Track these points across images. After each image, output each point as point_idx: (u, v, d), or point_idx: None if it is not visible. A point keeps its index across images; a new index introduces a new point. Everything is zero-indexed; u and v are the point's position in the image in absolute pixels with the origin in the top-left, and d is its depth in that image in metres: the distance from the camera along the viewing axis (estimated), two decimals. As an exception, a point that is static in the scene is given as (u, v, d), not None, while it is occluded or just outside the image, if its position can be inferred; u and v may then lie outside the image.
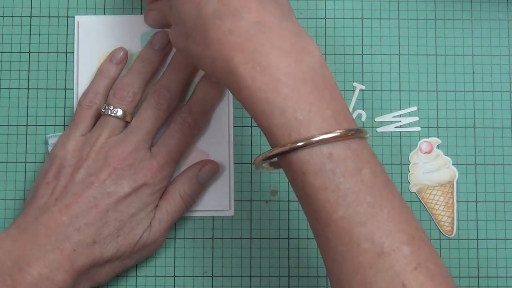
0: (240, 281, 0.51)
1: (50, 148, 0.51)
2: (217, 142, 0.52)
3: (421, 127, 0.52)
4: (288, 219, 0.51)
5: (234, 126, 0.52)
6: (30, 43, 0.53)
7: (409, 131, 0.52)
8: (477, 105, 0.53)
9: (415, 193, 0.52)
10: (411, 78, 0.53)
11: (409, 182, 0.52)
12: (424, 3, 0.53)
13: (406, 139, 0.52)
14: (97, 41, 0.52)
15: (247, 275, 0.51)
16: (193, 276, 0.51)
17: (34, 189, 0.48)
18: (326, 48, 0.53)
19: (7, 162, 0.52)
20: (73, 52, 0.53)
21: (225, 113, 0.52)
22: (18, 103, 0.52)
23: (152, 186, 0.48)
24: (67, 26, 0.53)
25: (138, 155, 0.47)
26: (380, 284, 0.35)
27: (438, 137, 0.52)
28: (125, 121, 0.49)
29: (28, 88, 0.53)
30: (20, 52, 0.53)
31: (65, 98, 0.52)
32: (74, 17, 0.53)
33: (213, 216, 0.52)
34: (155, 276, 0.51)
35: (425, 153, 0.52)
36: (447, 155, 0.52)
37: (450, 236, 0.51)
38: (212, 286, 0.51)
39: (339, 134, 0.36)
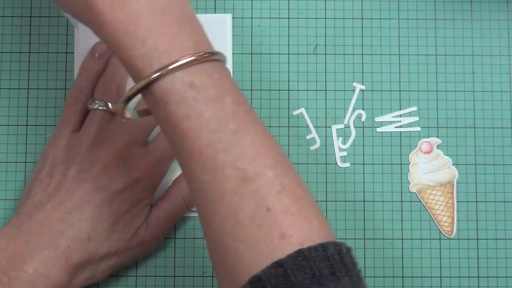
0: (240, 281, 0.51)
1: (50, 148, 0.51)
2: (217, 142, 0.52)
3: (421, 127, 0.52)
4: (288, 219, 0.51)
5: (234, 126, 0.52)
6: (30, 43, 0.53)
7: (409, 131, 0.52)
8: (477, 105, 0.53)
9: (415, 193, 0.52)
10: (411, 78, 0.53)
11: (409, 182, 0.52)
12: (424, 3, 0.53)
13: (406, 139, 0.52)
14: (97, 41, 0.52)
15: (247, 275, 0.51)
16: (193, 276, 0.51)
17: (27, 188, 0.48)
18: (326, 48, 0.53)
19: (7, 162, 0.52)
20: (73, 52, 0.53)
21: (225, 113, 0.52)
22: (18, 103, 0.52)
23: (146, 182, 0.47)
24: (67, 26, 0.53)
25: (132, 150, 0.47)
26: (246, 210, 0.34)
27: (438, 137, 0.52)
28: (113, 112, 0.49)
29: (28, 88, 0.53)
30: (20, 52, 0.53)
31: (65, 98, 0.52)
32: (74, 17, 0.53)
33: (213, 216, 0.51)
34: (155, 276, 0.51)
35: (425, 153, 0.52)
36: (447, 155, 0.52)
37: (450, 236, 0.51)
38: (212, 286, 0.51)
39: (195, 57, 0.35)
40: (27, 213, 0.45)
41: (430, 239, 0.51)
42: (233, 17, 0.53)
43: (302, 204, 0.35)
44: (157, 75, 0.35)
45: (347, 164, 0.52)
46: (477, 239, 0.51)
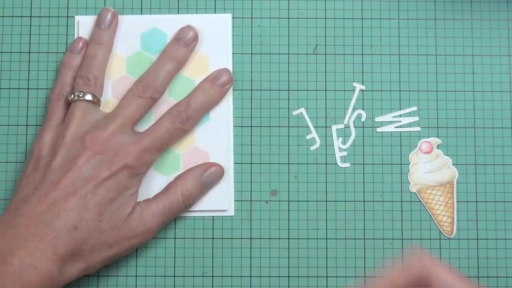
0: (240, 281, 0.51)
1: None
2: (217, 142, 0.52)
3: (421, 127, 0.52)
4: (288, 219, 0.51)
5: (234, 126, 0.52)
6: (30, 43, 0.53)
7: (409, 131, 0.52)
8: (477, 105, 0.53)
9: (415, 193, 0.52)
10: (411, 78, 0.53)
11: (409, 182, 0.52)
12: (424, 3, 0.53)
13: (406, 139, 0.52)
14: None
15: (247, 275, 0.51)
16: (193, 276, 0.51)
17: (16, 185, 0.48)
18: (326, 48, 0.53)
19: (7, 162, 0.52)
20: (73, 52, 0.53)
21: (225, 113, 0.52)
22: (18, 103, 0.52)
23: (132, 169, 0.47)
24: (67, 26, 0.53)
25: (117, 139, 0.47)
26: None
27: (438, 137, 0.52)
28: (94, 102, 0.49)
29: (28, 88, 0.53)
30: (20, 52, 0.53)
31: (65, 98, 0.52)
32: (74, 17, 0.53)
33: (213, 216, 0.52)
34: (155, 276, 0.51)
35: (425, 153, 0.52)
36: (447, 155, 0.52)
37: (450, 236, 0.51)
38: (212, 286, 0.51)
39: None
40: (14, 209, 0.46)
41: (430, 239, 0.51)
42: (233, 17, 0.53)
43: None
44: None
45: (347, 164, 0.52)
46: (477, 239, 0.51)
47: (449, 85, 0.53)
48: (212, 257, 0.51)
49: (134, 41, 0.53)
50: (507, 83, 0.53)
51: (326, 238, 0.51)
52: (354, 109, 0.52)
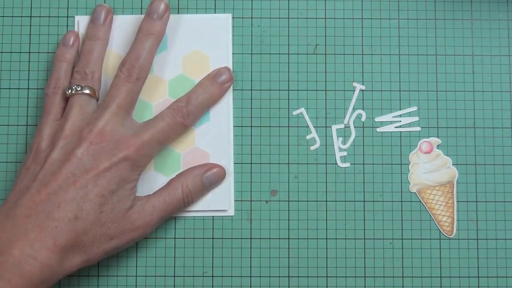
0: (240, 281, 0.51)
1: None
2: (217, 142, 0.52)
3: (421, 127, 0.52)
4: (288, 219, 0.51)
5: (234, 126, 0.52)
6: (30, 43, 0.53)
7: (409, 131, 0.52)
8: (477, 105, 0.53)
9: (415, 193, 0.52)
10: (411, 78, 0.53)
11: (409, 182, 0.52)
12: (424, 3, 0.53)
13: (406, 139, 0.52)
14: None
15: (247, 275, 0.51)
16: (193, 276, 0.51)
17: (15, 178, 0.48)
18: (326, 48, 0.53)
19: (7, 162, 0.52)
20: (73, 52, 0.53)
21: (225, 113, 0.52)
22: (18, 103, 0.52)
23: (132, 161, 0.47)
24: (67, 26, 0.53)
25: (118, 131, 0.48)
26: None
27: (438, 137, 0.52)
28: (92, 96, 0.49)
29: (28, 88, 0.53)
30: (20, 52, 0.53)
31: (65, 98, 0.52)
32: (74, 17, 0.53)
33: (213, 216, 0.52)
34: (155, 276, 0.51)
35: (425, 153, 0.52)
36: (447, 155, 0.52)
37: (450, 236, 0.51)
38: (212, 286, 0.51)
39: None
40: (13, 200, 0.45)
41: (430, 239, 0.51)
42: (233, 17, 0.53)
43: None
44: None
45: (347, 164, 0.52)
46: (477, 239, 0.51)
47: (449, 85, 0.53)
48: (212, 257, 0.51)
49: (134, 41, 0.53)
50: (507, 83, 0.53)
51: (326, 238, 0.51)
52: (354, 109, 0.52)
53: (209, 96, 0.51)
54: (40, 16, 0.53)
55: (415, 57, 0.53)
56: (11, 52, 0.53)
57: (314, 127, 0.52)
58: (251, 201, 0.52)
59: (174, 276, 0.51)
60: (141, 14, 0.53)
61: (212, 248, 0.51)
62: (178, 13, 0.53)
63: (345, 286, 0.51)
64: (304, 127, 0.52)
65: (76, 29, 0.53)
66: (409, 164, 0.52)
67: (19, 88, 0.53)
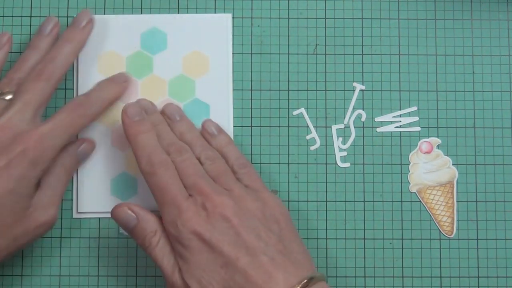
0: (240, 281, 0.51)
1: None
2: (217, 142, 0.52)
3: (421, 127, 0.52)
4: (288, 219, 0.51)
5: (234, 126, 0.52)
6: (30, 43, 0.53)
7: (409, 131, 0.52)
8: (477, 105, 0.53)
9: (415, 193, 0.52)
10: (411, 78, 0.53)
11: (409, 182, 0.52)
12: (424, 3, 0.53)
13: (406, 139, 0.52)
14: (97, 41, 0.52)
15: (247, 275, 0.51)
16: (193, 276, 0.51)
17: None
18: (326, 48, 0.53)
19: (7, 162, 0.52)
20: (73, 52, 0.53)
21: (225, 113, 0.52)
22: (18, 103, 0.52)
23: (31, 154, 0.45)
24: (67, 26, 0.53)
25: (16, 125, 0.46)
26: None
27: (438, 137, 0.52)
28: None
29: (28, 88, 0.52)
30: (20, 52, 0.53)
31: (65, 98, 0.52)
32: (74, 17, 0.53)
33: (213, 216, 0.51)
34: (155, 276, 0.51)
35: (425, 153, 0.52)
36: (447, 155, 0.52)
37: (450, 236, 0.51)
38: (212, 286, 0.51)
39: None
40: None
41: (430, 239, 0.51)
42: (233, 17, 0.53)
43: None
44: None
45: (347, 164, 0.52)
46: (477, 239, 0.51)
47: (449, 85, 0.53)
48: (212, 257, 0.51)
49: (134, 41, 0.53)
50: (507, 83, 0.53)
51: (326, 238, 0.51)
52: (354, 109, 0.52)
53: (107, 93, 0.50)
54: (40, 16, 0.53)
55: (415, 57, 0.53)
56: (11, 52, 0.53)
57: (314, 127, 0.52)
58: (251, 201, 0.52)
59: (174, 276, 0.51)
60: (141, 14, 0.53)
61: (212, 248, 0.51)
62: (178, 13, 0.53)
63: (345, 286, 0.51)
64: (304, 127, 0.52)
65: (76, 29, 0.53)
66: (409, 164, 0.52)
67: (19, 88, 0.52)
